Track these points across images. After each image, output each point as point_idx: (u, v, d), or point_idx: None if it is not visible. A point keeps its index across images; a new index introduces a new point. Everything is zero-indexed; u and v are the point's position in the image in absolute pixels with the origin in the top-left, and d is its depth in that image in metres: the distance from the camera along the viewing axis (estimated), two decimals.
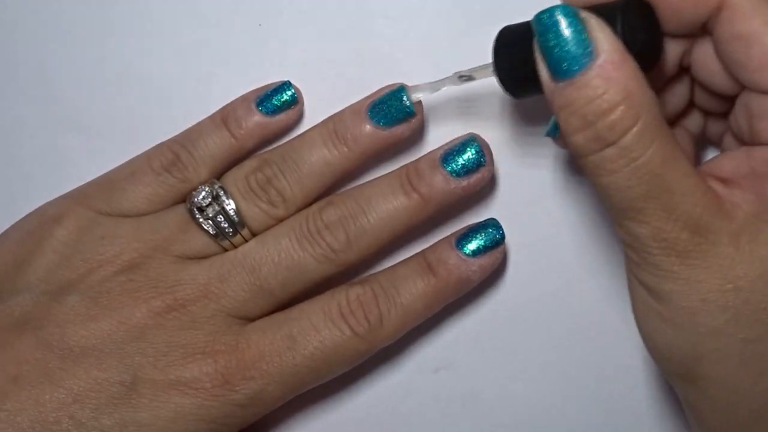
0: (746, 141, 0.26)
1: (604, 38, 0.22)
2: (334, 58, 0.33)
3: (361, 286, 0.30)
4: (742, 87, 0.25)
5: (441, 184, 0.30)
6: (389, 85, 0.31)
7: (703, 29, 0.25)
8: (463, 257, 0.30)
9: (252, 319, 0.30)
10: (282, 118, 0.32)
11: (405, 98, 0.30)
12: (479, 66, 0.28)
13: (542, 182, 0.33)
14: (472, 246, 0.30)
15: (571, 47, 0.22)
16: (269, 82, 0.32)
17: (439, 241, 0.31)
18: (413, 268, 0.31)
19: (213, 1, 0.33)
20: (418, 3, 0.33)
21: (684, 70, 0.27)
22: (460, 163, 0.30)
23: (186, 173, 0.31)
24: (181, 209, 0.30)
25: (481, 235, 0.31)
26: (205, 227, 0.30)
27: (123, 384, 0.28)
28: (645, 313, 0.25)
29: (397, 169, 0.31)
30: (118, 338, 0.29)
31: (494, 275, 0.33)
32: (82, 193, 0.31)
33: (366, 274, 0.32)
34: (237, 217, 0.30)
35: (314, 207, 0.30)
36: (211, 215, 0.30)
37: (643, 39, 0.24)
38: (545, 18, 0.23)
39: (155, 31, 0.33)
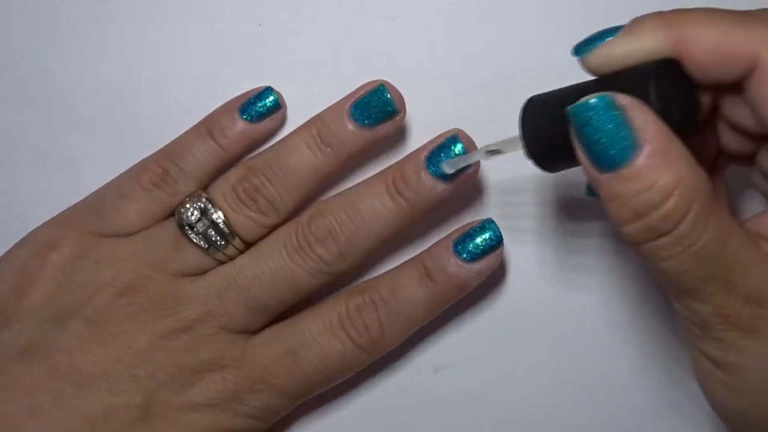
0: None
1: (646, 126, 0.21)
2: (334, 58, 0.33)
3: (361, 296, 0.30)
4: None
5: (428, 188, 0.30)
6: (370, 83, 0.30)
7: (734, 85, 0.24)
8: (462, 263, 0.30)
9: (255, 331, 0.31)
10: (266, 124, 0.32)
11: (387, 96, 0.30)
12: (509, 139, 0.27)
13: (543, 181, 0.33)
14: (471, 250, 0.30)
15: (614, 140, 0.21)
16: (269, 82, 0.32)
17: (437, 246, 0.31)
18: (412, 275, 0.30)
19: (213, 1, 0.33)
20: (418, 3, 0.33)
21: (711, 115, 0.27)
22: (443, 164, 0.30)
23: (176, 187, 0.31)
24: (173, 225, 0.30)
25: (478, 240, 0.30)
26: (197, 242, 0.30)
27: (137, 408, 0.29)
28: (710, 382, 0.24)
29: (383, 172, 0.31)
30: (127, 363, 0.29)
31: (495, 275, 0.33)
32: (72, 216, 0.31)
33: (364, 279, 0.32)
34: (227, 228, 0.30)
35: (303, 218, 0.30)
36: (201, 230, 0.30)
37: (683, 104, 0.23)
38: (581, 112, 0.22)
39: (155, 31, 0.33)
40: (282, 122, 0.32)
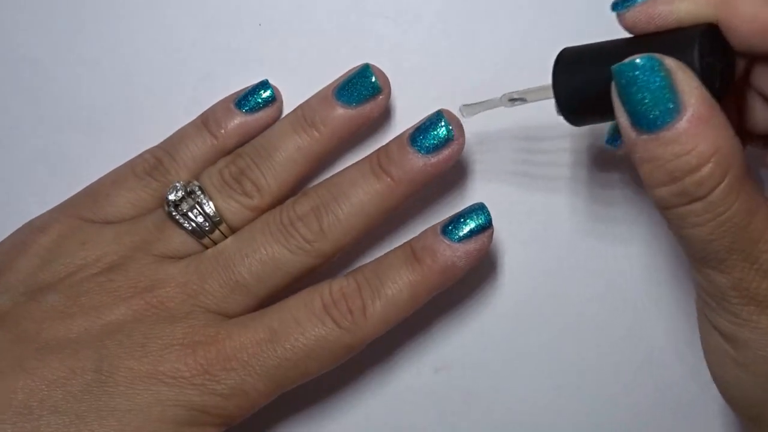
0: None
1: (690, 91, 0.21)
2: (334, 58, 0.32)
3: (345, 278, 0.30)
4: None
5: (411, 163, 0.29)
6: (358, 65, 0.31)
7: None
8: (448, 243, 0.29)
9: (232, 316, 0.30)
10: (261, 116, 0.32)
11: (371, 75, 0.30)
12: (535, 88, 0.27)
13: (542, 179, 0.33)
14: (458, 231, 0.29)
15: (657, 102, 0.22)
16: (269, 81, 0.32)
17: (425, 230, 0.30)
18: (398, 257, 0.30)
19: (212, 1, 0.33)
20: (418, 3, 0.33)
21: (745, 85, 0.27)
22: (428, 139, 0.30)
23: (168, 176, 0.31)
24: (160, 211, 0.30)
25: (466, 220, 0.30)
26: (183, 224, 0.30)
27: (99, 372, 0.28)
28: (718, 357, 0.24)
29: (369, 154, 0.31)
30: (95, 332, 0.29)
31: (494, 275, 0.33)
32: (68, 203, 0.32)
33: (352, 269, 0.32)
34: (213, 212, 0.30)
35: (288, 201, 0.30)
36: (186, 211, 0.30)
37: (720, 70, 0.23)
38: (628, 70, 0.22)
39: (155, 30, 0.33)
40: (278, 115, 0.32)
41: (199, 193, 0.30)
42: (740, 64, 0.25)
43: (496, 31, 0.33)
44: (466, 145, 0.30)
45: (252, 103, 0.32)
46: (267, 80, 0.32)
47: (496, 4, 0.33)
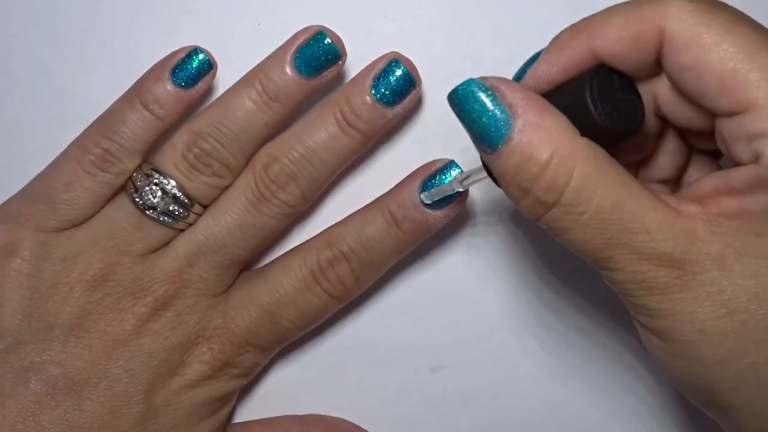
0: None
1: (516, 102, 0.22)
2: None
3: (330, 249, 0.30)
4: (712, 116, 0.24)
5: (378, 116, 0.30)
6: (307, 29, 0.30)
7: (656, 70, 0.24)
8: (429, 212, 0.30)
9: (228, 288, 0.31)
10: (200, 86, 0.30)
11: (328, 42, 0.30)
12: (473, 169, 0.28)
13: None
14: (437, 199, 0.30)
15: (488, 119, 0.22)
16: None
17: (402, 192, 0.30)
18: (380, 224, 0.30)
19: (212, 1, 0.33)
20: (418, 3, 0.33)
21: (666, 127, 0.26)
22: (392, 90, 0.30)
23: (121, 166, 0.30)
24: (129, 206, 0.30)
25: (444, 184, 0.30)
26: (160, 219, 0.30)
27: (139, 403, 0.29)
28: (654, 352, 0.24)
29: (328, 104, 0.30)
30: (117, 357, 0.29)
31: (493, 275, 0.33)
32: (21, 211, 0.30)
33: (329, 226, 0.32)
34: (186, 198, 0.30)
35: (257, 167, 0.30)
36: (162, 208, 0.29)
37: (624, 105, 0.23)
38: (455, 96, 0.23)
39: (155, 30, 0.33)
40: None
41: (168, 185, 0.29)
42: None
43: (496, 31, 0.33)
44: (465, 146, 0.30)
45: (189, 75, 0.30)
46: (198, 47, 0.30)
47: (496, 4, 0.32)
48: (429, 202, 0.30)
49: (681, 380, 0.24)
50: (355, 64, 0.32)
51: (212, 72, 0.31)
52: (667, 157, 0.27)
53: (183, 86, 0.30)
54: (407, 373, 0.34)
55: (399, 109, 0.30)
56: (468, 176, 0.28)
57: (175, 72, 0.30)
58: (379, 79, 0.30)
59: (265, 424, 0.33)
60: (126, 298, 0.29)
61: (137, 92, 0.30)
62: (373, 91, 0.30)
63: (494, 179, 0.25)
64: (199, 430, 0.30)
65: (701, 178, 0.24)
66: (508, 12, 0.32)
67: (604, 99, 0.23)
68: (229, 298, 0.31)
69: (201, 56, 0.30)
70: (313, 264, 0.30)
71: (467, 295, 0.33)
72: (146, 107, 0.30)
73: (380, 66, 0.30)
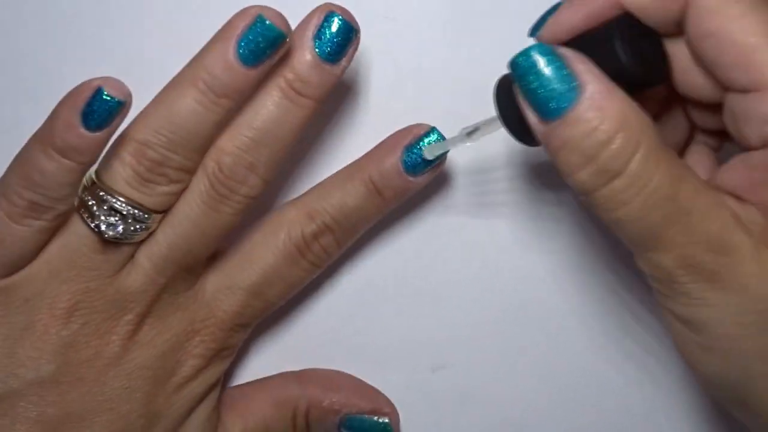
0: (742, 148, 0.25)
1: (586, 70, 0.22)
2: None
3: (313, 221, 0.30)
4: (724, 90, 0.24)
5: (326, 78, 0.28)
6: (243, 14, 0.27)
7: (678, 30, 0.24)
8: (411, 179, 0.30)
9: (203, 275, 0.30)
10: (117, 122, 0.27)
11: (271, 25, 0.27)
12: (485, 120, 0.27)
13: (541, 181, 0.33)
14: (420, 167, 0.30)
15: (556, 85, 0.22)
16: None
17: (386, 160, 0.30)
18: (361, 193, 0.30)
19: (212, 1, 0.33)
20: (418, 3, 0.33)
21: (677, 98, 0.27)
22: (334, 47, 0.28)
23: (55, 212, 0.27)
24: (83, 230, 0.28)
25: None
26: (123, 240, 0.28)
27: (142, 416, 0.29)
28: (686, 346, 0.24)
29: (271, 77, 0.28)
30: (112, 378, 0.28)
31: (492, 275, 0.33)
32: None
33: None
34: (143, 212, 0.28)
35: (209, 164, 0.28)
36: (121, 231, 0.27)
37: (650, 54, 0.24)
38: (521, 60, 0.22)
39: (155, 30, 0.33)
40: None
41: (123, 206, 0.27)
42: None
43: (496, 31, 0.33)
44: (466, 147, 0.30)
45: (103, 117, 0.26)
46: (101, 87, 0.26)
47: (496, 4, 0.32)
48: (431, 158, 0.30)
49: (712, 375, 0.24)
50: (355, 63, 0.32)
51: (126, 106, 0.27)
52: (667, 132, 0.27)
53: (99, 129, 0.26)
54: (407, 372, 0.34)
55: (345, 62, 0.28)
56: (476, 128, 0.28)
57: (86, 118, 0.26)
58: (318, 37, 0.28)
59: (262, 384, 0.33)
60: (105, 322, 0.28)
61: (48, 140, 0.26)
62: (317, 50, 0.28)
63: (517, 136, 0.25)
64: (198, 412, 0.30)
65: (723, 168, 0.24)
66: (509, 12, 0.32)
67: (633, 46, 0.23)
68: (208, 284, 0.30)
69: (107, 97, 0.26)
70: (298, 239, 0.30)
71: (467, 295, 0.33)
72: (64, 156, 0.26)
73: (315, 22, 0.28)
